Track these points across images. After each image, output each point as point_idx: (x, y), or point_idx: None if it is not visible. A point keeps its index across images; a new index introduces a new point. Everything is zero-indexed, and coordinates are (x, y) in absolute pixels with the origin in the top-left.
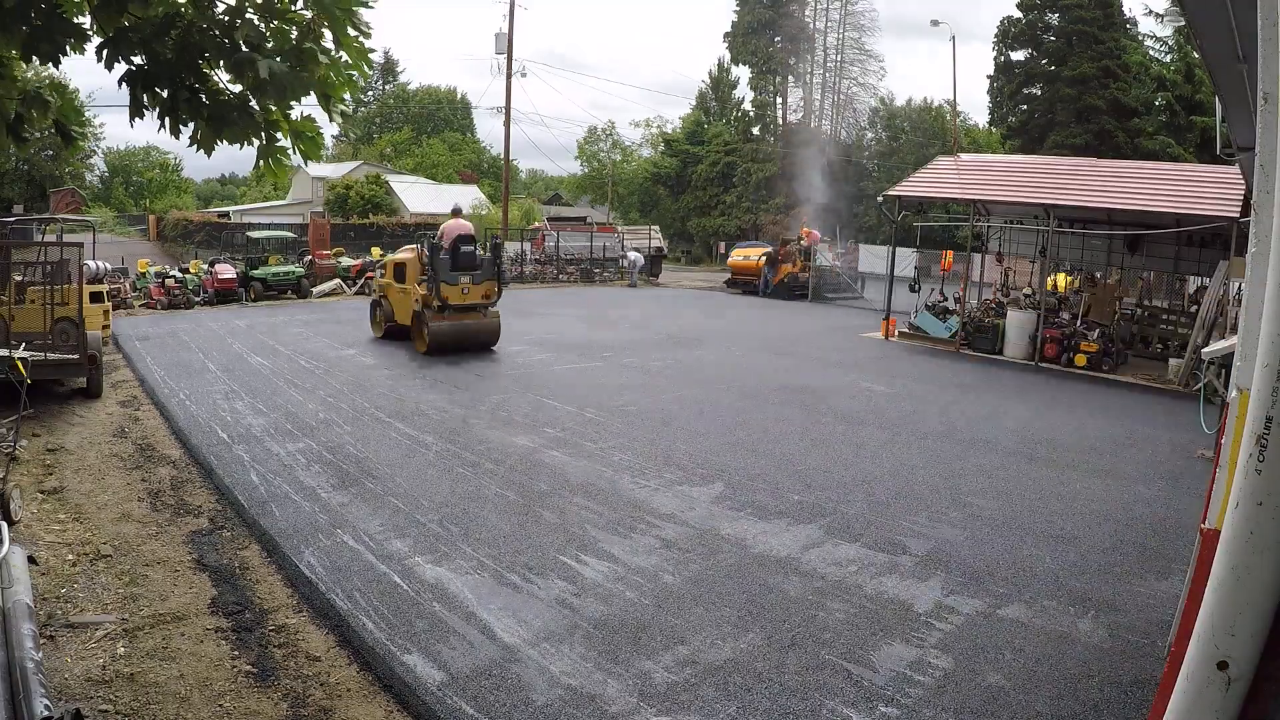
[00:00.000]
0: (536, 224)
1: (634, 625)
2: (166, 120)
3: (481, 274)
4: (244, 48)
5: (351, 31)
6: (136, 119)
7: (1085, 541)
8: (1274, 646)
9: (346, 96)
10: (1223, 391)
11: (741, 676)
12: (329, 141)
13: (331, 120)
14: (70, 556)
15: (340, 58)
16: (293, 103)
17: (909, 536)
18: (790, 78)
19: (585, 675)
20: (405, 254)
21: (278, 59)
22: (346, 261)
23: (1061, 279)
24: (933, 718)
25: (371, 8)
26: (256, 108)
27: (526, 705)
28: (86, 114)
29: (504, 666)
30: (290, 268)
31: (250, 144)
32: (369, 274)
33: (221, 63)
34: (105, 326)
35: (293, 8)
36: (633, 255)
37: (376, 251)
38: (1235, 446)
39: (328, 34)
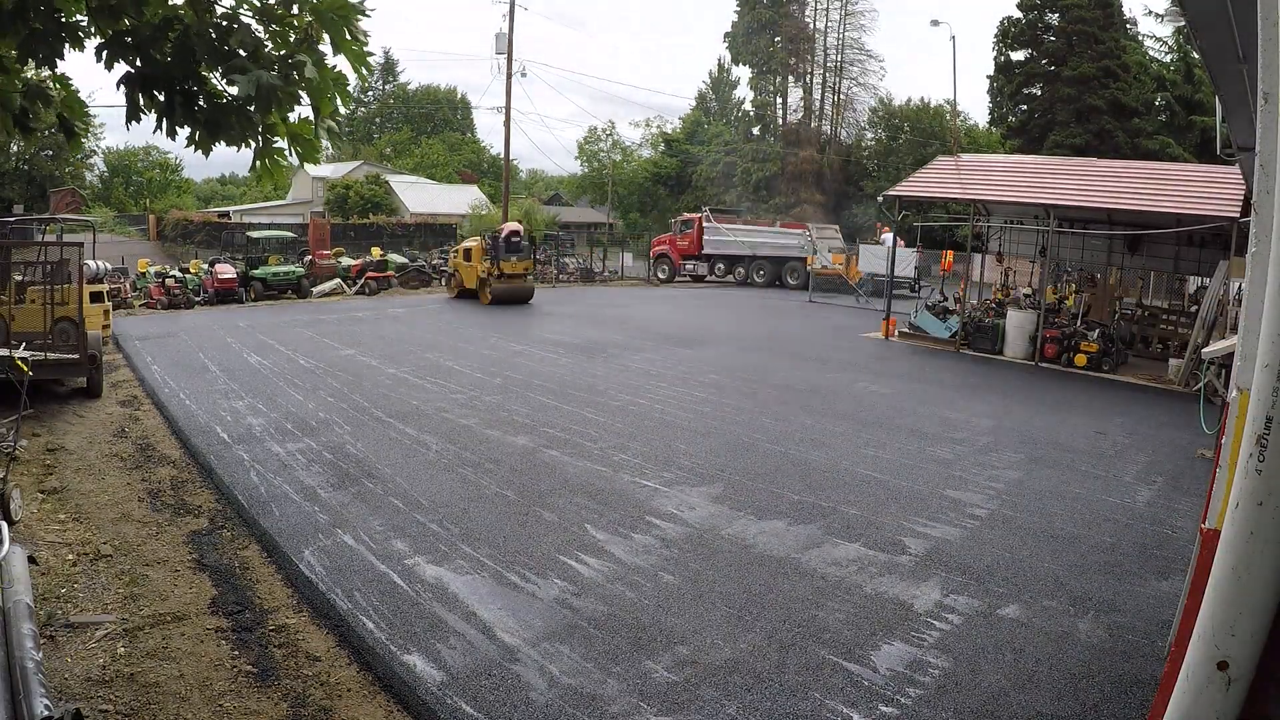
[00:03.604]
0: (688, 215)
1: (634, 625)
2: (163, 123)
3: (523, 255)
4: (241, 53)
5: (349, 35)
6: (133, 121)
7: (1085, 541)
8: (1274, 646)
9: (339, 107)
10: (1223, 391)
11: (741, 676)
12: (326, 146)
13: (318, 135)
14: (70, 556)
15: (333, 67)
16: (289, 108)
17: (908, 536)
18: (790, 78)
19: (585, 675)
20: (471, 243)
21: (273, 69)
22: (346, 261)
23: (1069, 300)
24: (932, 718)
25: (368, 15)
26: (254, 110)
27: (526, 705)
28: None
29: (504, 666)
30: (290, 268)
31: (247, 146)
32: (369, 274)
33: (218, 68)
34: (105, 326)
35: (290, 13)
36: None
37: (376, 251)
38: (1235, 446)
39: (326, 39)
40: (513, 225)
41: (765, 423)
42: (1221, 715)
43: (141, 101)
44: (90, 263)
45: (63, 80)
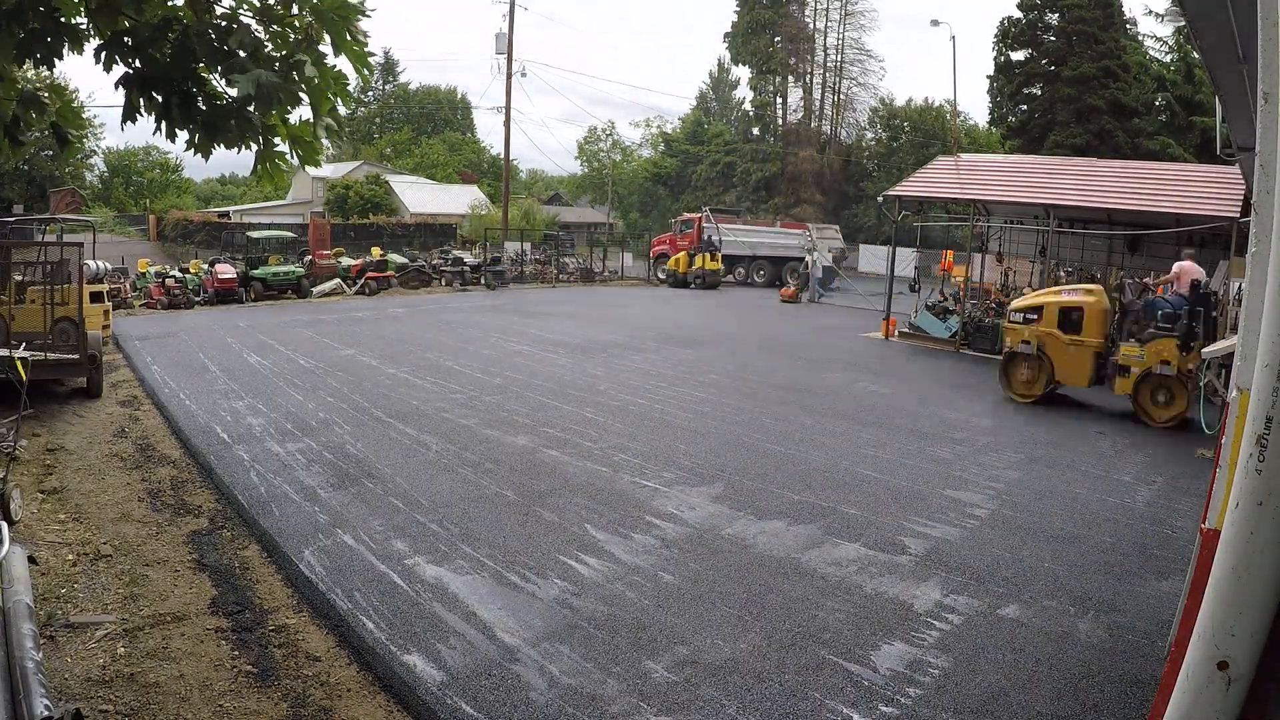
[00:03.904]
0: (688, 215)
1: (634, 625)
2: (162, 124)
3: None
4: (240, 53)
5: (349, 36)
6: (129, 122)
7: (1085, 541)
8: (1274, 646)
9: (340, 106)
10: (1223, 391)
11: (741, 676)
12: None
13: (316, 135)
14: (70, 556)
15: (333, 67)
16: (290, 109)
17: (908, 536)
18: (790, 78)
19: (585, 675)
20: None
21: (273, 68)
22: (346, 261)
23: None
24: (932, 717)
25: (369, 16)
26: (254, 111)
27: (526, 705)
28: (86, 114)
29: (504, 666)
30: (290, 268)
31: (248, 148)
32: (369, 274)
33: (218, 68)
34: (105, 326)
35: (291, 13)
36: (815, 257)
37: (376, 251)
38: (1235, 446)
39: (326, 39)
40: (1199, 270)
41: (765, 422)
42: (1221, 715)
43: (141, 103)
44: (90, 263)
45: (58, 89)
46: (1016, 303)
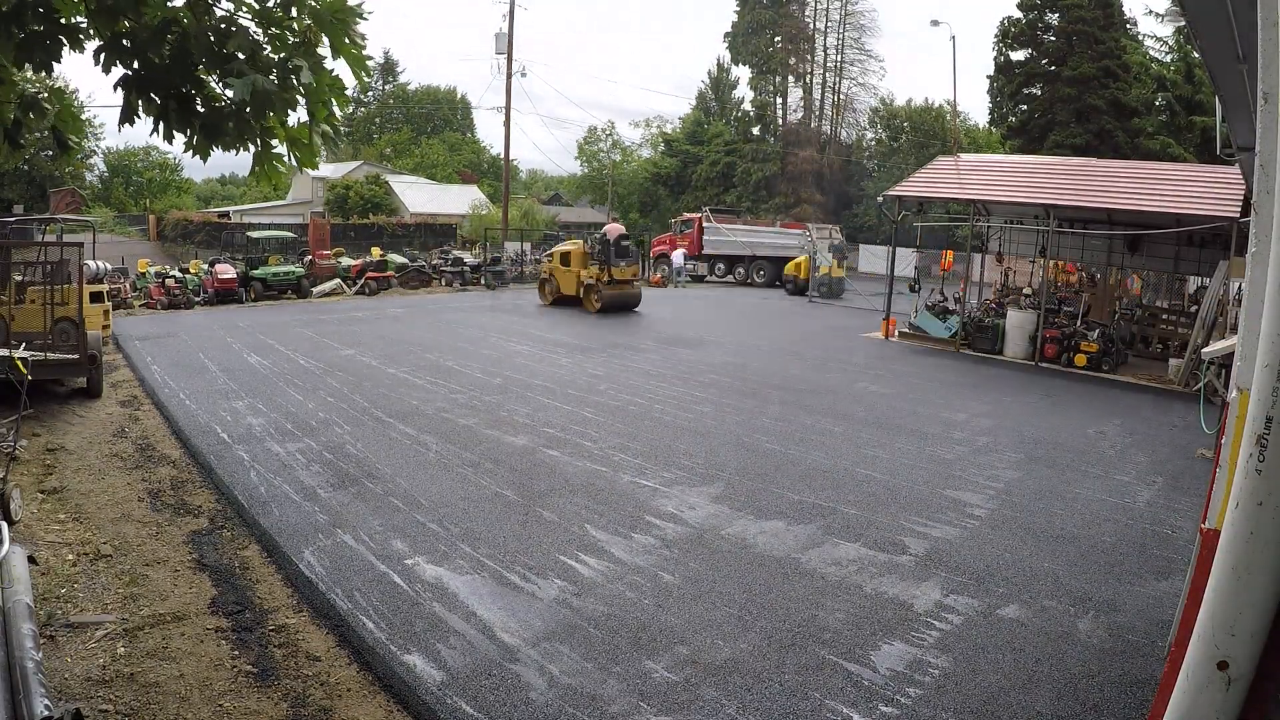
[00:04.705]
0: (688, 215)
1: (634, 625)
2: (161, 125)
3: (631, 259)
4: (239, 56)
5: (347, 39)
6: (127, 124)
7: (1085, 541)
8: (1274, 646)
9: (335, 109)
10: (1223, 391)
11: (741, 676)
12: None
13: (313, 140)
14: (70, 556)
15: (331, 71)
16: (288, 112)
17: (908, 536)
18: (790, 78)
19: (585, 675)
20: (569, 246)
21: (270, 74)
22: (346, 261)
23: (1071, 278)
24: (932, 717)
25: (367, 19)
26: (250, 114)
27: (526, 705)
28: (86, 114)
29: (504, 666)
30: (290, 268)
31: (246, 149)
32: (369, 274)
33: (216, 71)
34: (105, 326)
35: (289, 16)
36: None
37: (376, 251)
38: (1235, 446)
39: (325, 41)
40: (619, 228)
41: (765, 422)
42: (1221, 715)
43: (140, 104)
44: (90, 263)
45: (59, 93)
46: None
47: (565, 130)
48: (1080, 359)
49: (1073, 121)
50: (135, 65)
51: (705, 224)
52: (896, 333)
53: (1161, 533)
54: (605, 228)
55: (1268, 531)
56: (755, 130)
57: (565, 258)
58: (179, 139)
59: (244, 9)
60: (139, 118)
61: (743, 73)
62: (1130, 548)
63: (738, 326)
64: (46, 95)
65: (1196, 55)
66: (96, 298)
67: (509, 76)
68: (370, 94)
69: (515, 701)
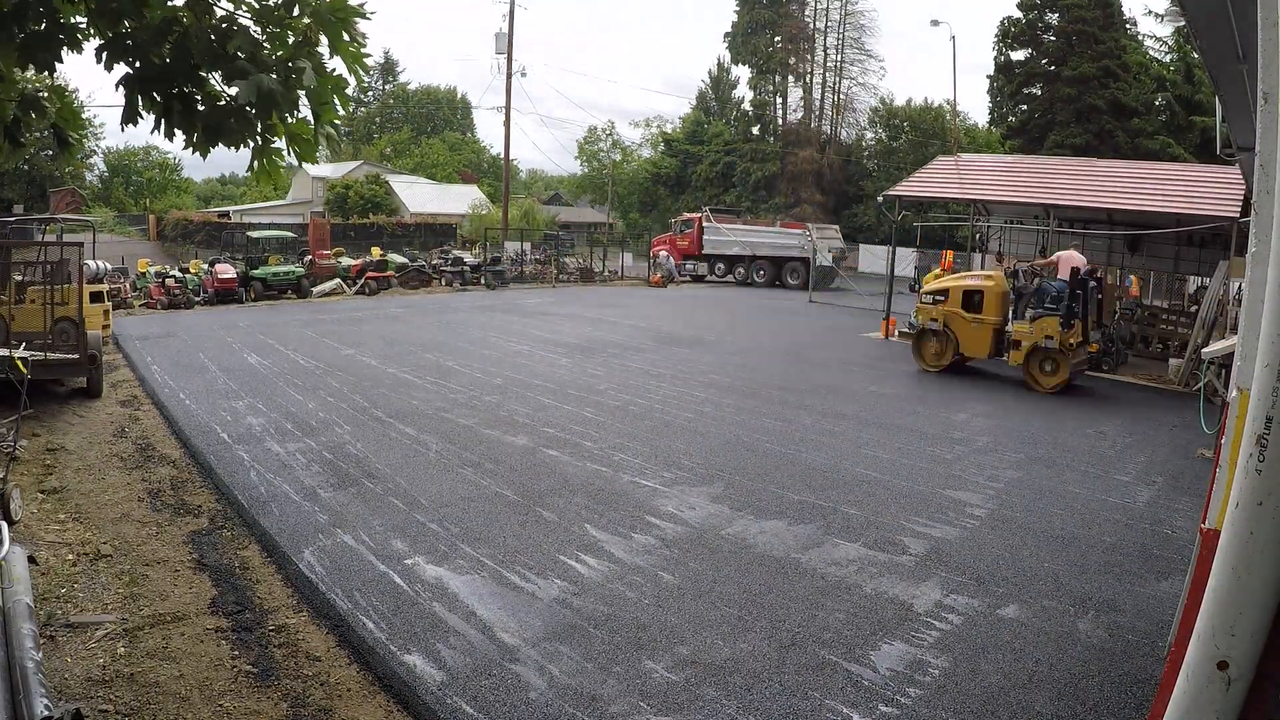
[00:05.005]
0: (687, 215)
1: (634, 625)
2: (162, 125)
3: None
4: (240, 55)
5: (346, 37)
6: (130, 124)
7: (1085, 541)
8: (1274, 646)
9: (338, 108)
10: (1223, 391)
11: (741, 676)
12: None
13: (317, 141)
14: (70, 556)
15: (334, 71)
16: (289, 113)
17: (908, 536)
18: (790, 78)
19: (585, 675)
20: (975, 279)
21: (272, 73)
22: (346, 261)
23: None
24: (932, 717)
25: (369, 18)
26: (253, 113)
27: (526, 705)
28: (87, 114)
29: (504, 666)
30: (290, 268)
31: (246, 147)
32: (369, 274)
33: (217, 71)
34: (105, 326)
35: (290, 15)
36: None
37: (376, 251)
38: (1235, 446)
39: (324, 40)
40: (1079, 258)
41: (765, 422)
42: (1221, 715)
43: (140, 103)
44: (90, 263)
45: (59, 91)
46: (927, 286)
47: (565, 130)
48: None
49: (1073, 121)
50: (137, 64)
51: (705, 224)
52: (896, 333)
53: (1161, 533)
54: (1056, 254)
55: (1268, 531)
56: (755, 130)
57: (969, 298)
58: (179, 137)
59: (244, 8)
60: (142, 117)
61: (743, 73)
62: (1130, 548)
63: (738, 326)
64: (47, 95)
65: (1196, 55)
66: (96, 297)
67: (509, 76)
68: (370, 94)
69: (515, 701)
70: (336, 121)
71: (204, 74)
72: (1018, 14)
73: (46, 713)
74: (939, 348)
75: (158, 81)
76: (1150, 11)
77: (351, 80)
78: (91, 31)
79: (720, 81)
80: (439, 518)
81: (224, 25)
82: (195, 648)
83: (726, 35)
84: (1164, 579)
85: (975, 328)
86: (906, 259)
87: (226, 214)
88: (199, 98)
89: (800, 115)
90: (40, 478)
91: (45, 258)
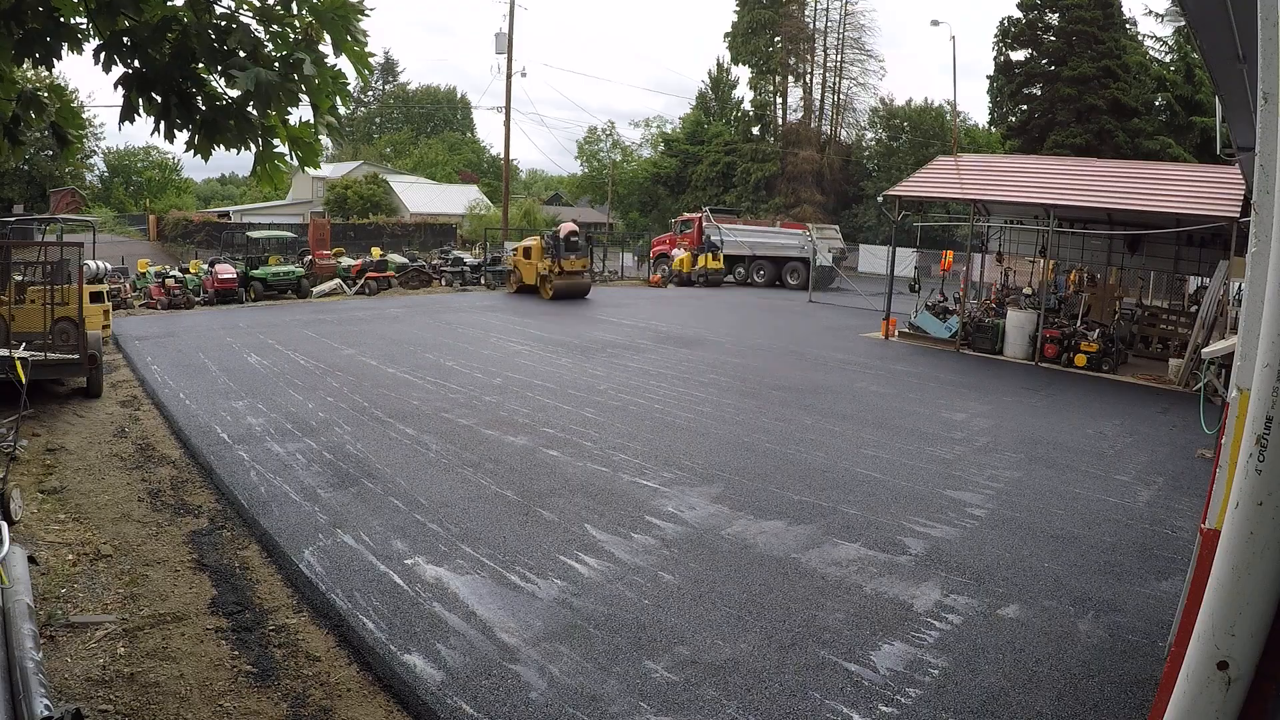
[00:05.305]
0: (688, 215)
1: (634, 625)
2: (161, 124)
3: (580, 253)
4: (240, 53)
5: (349, 36)
6: (127, 122)
7: (1085, 541)
8: (1274, 646)
9: (339, 105)
10: (1223, 391)
11: (741, 676)
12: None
13: (318, 133)
14: (70, 556)
15: (334, 66)
16: (289, 109)
17: (908, 536)
18: (790, 78)
19: (585, 675)
20: (530, 241)
21: (273, 68)
22: (346, 261)
23: (1070, 279)
24: (932, 717)
25: (368, 15)
26: (254, 113)
27: (526, 705)
28: (86, 114)
29: (504, 666)
30: (290, 268)
31: (247, 149)
32: (369, 274)
33: (217, 68)
34: (105, 326)
35: (290, 13)
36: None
37: (376, 251)
38: (1235, 446)
39: (327, 38)
40: (570, 225)
41: (765, 423)
42: (1221, 715)
43: (140, 103)
44: (90, 263)
45: (58, 90)
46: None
47: (565, 130)
48: (1080, 359)
49: (1073, 121)
50: (135, 63)
51: (705, 224)
52: (896, 333)
53: (1161, 533)
54: (559, 225)
55: (1268, 531)
56: (755, 130)
57: (527, 252)
58: (179, 138)
59: (245, 6)
60: (139, 116)
61: (743, 73)
62: (1130, 548)
63: (737, 326)
64: (46, 94)
65: (1196, 55)
66: (96, 298)
67: (509, 76)
68: (370, 94)
69: (515, 701)
70: (337, 113)
71: (204, 74)
72: (1018, 14)
73: (46, 713)
74: (515, 281)
75: (156, 81)
76: (1150, 11)
77: (354, 78)
78: (91, 31)
79: (720, 82)
80: (439, 518)
81: (224, 24)
82: (195, 648)
83: (726, 35)
84: (1164, 579)
85: (528, 266)
86: (906, 259)
87: (226, 214)
88: (198, 97)
89: (800, 115)
90: (40, 478)
91: (45, 258)
